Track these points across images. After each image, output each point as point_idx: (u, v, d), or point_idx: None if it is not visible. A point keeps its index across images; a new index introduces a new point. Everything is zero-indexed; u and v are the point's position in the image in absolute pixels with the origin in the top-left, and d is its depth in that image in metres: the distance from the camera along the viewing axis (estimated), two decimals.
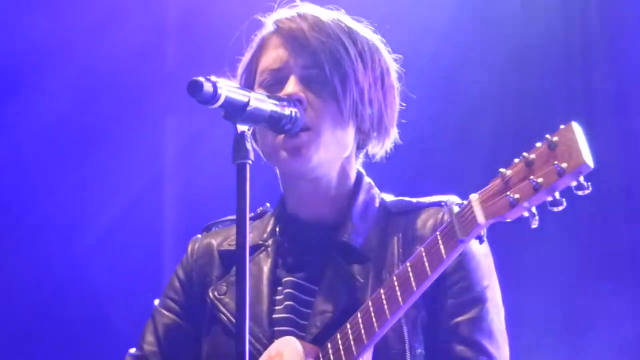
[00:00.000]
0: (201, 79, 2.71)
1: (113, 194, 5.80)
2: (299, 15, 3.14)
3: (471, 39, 5.62)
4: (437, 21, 5.59)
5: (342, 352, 2.91)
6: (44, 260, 5.75)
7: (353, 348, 2.89)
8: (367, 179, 3.22)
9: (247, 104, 2.80)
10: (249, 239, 3.05)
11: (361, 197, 3.16)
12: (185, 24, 5.89)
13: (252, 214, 3.27)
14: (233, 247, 3.16)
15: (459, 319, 3.03)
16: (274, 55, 3.13)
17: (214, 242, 3.27)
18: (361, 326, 2.88)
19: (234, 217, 3.13)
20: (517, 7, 5.61)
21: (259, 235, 3.21)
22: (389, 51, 3.22)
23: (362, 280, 3.03)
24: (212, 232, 3.31)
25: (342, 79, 3.08)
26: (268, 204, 3.29)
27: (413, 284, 2.79)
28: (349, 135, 3.12)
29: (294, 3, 3.19)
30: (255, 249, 3.18)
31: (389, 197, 3.22)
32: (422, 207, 3.13)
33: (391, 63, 3.21)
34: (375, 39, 3.20)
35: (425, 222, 3.08)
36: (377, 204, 3.18)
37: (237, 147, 2.75)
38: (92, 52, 5.73)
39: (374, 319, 2.86)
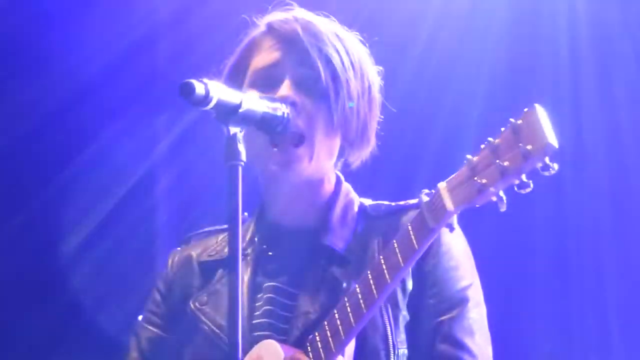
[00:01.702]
0: (193, 80, 2.69)
1: (103, 193, 5.78)
2: (293, 18, 3.15)
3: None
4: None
5: (320, 350, 2.92)
6: (32, 259, 5.73)
7: (332, 345, 2.90)
8: (345, 184, 3.22)
9: (240, 105, 2.79)
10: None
11: (340, 202, 3.16)
12: (177, 23, 5.87)
13: None
14: (212, 258, 3.21)
15: (441, 318, 3.04)
16: (268, 57, 3.13)
17: (193, 254, 3.27)
18: (338, 322, 2.89)
19: (212, 227, 3.22)
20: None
21: None
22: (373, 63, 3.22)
23: (344, 283, 3.02)
24: (191, 244, 3.31)
25: (335, 83, 3.08)
26: (246, 214, 3.24)
27: (387, 276, 2.81)
28: (337, 144, 3.14)
29: (287, 6, 3.19)
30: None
31: (367, 201, 3.22)
32: (402, 209, 3.12)
33: (376, 75, 3.22)
34: (364, 51, 3.21)
35: (406, 224, 3.06)
36: (355, 208, 3.19)
37: (228, 149, 2.74)
38: (81, 50, 5.71)
39: (350, 315, 2.87)
